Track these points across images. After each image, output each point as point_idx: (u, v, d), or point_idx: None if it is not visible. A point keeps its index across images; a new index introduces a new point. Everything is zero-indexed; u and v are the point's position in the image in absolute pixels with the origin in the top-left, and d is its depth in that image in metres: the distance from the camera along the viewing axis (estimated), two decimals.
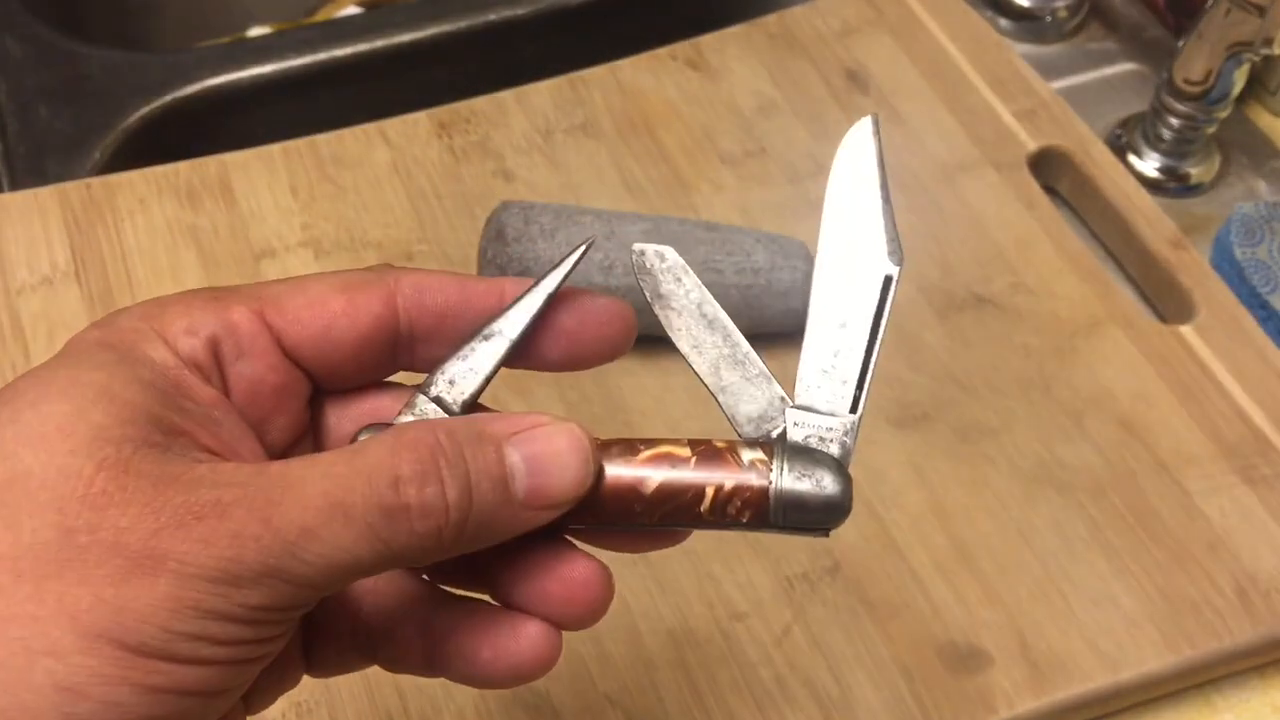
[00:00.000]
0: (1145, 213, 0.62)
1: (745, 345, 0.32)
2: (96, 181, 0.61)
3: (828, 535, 0.31)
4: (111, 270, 0.58)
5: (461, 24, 0.74)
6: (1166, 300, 0.61)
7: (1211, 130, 0.67)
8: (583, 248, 0.32)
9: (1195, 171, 0.68)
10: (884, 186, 0.32)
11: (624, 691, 0.47)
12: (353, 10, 0.85)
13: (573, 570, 0.30)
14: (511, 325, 0.31)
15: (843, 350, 0.31)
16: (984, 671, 0.48)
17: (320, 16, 0.86)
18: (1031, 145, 0.64)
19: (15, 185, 0.64)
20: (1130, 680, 0.49)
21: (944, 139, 0.65)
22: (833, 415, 0.31)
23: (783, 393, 0.31)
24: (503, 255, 0.53)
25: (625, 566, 0.43)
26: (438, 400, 0.31)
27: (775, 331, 0.55)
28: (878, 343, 0.31)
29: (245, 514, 0.26)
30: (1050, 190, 0.65)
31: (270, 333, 0.30)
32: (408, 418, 0.31)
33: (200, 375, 0.29)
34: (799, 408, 0.31)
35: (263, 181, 0.62)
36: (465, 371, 0.31)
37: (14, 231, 0.59)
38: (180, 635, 0.25)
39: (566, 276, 0.32)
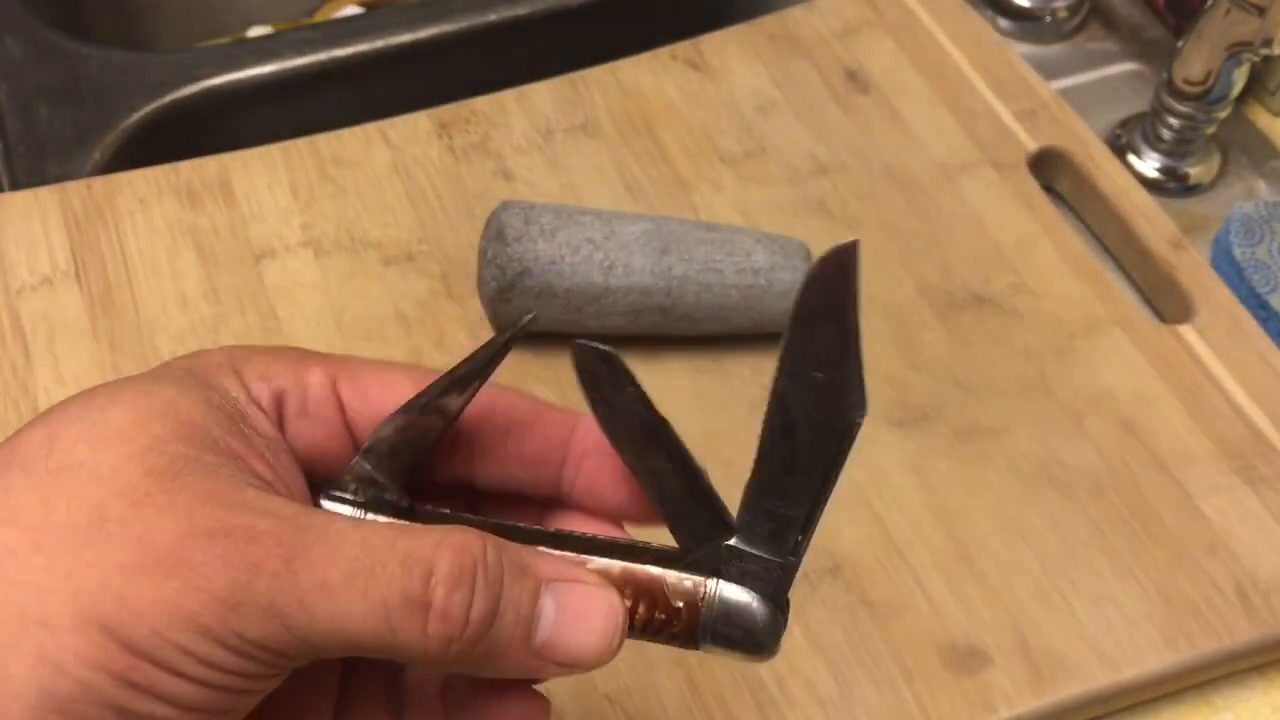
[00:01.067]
0: (1145, 213, 0.62)
1: (692, 463, 0.30)
2: (97, 181, 0.61)
3: (759, 662, 0.31)
4: (111, 270, 0.58)
5: (461, 24, 0.74)
6: (1166, 300, 0.61)
7: (1211, 130, 0.67)
8: (523, 324, 0.31)
9: (1195, 171, 0.68)
10: (857, 329, 0.28)
11: (624, 691, 0.47)
12: (353, 10, 0.85)
13: (519, 705, 0.31)
14: (450, 402, 0.31)
15: (790, 495, 0.29)
16: (984, 671, 0.48)
17: (320, 16, 0.86)
18: (1031, 145, 0.64)
19: (15, 185, 0.64)
20: (1130, 680, 0.49)
21: (944, 139, 0.65)
22: (771, 557, 0.30)
23: (727, 517, 0.30)
24: (503, 255, 0.54)
25: None
26: (373, 470, 0.31)
27: (775, 332, 0.54)
28: (829, 493, 0.29)
29: (272, 546, 0.27)
30: (1050, 190, 0.65)
31: (338, 402, 0.31)
32: (344, 494, 0.31)
33: (261, 411, 0.30)
34: (739, 543, 0.30)
35: (263, 181, 0.62)
36: (402, 445, 0.31)
37: (14, 231, 0.59)
38: (169, 644, 0.26)
39: (505, 350, 0.31)
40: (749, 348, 0.56)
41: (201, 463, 0.27)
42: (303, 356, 0.31)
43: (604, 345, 0.29)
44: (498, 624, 0.28)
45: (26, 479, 0.27)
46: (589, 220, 0.55)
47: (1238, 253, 0.61)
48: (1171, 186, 0.68)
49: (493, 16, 0.74)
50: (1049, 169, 0.65)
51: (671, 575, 0.30)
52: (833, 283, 0.28)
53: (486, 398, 0.31)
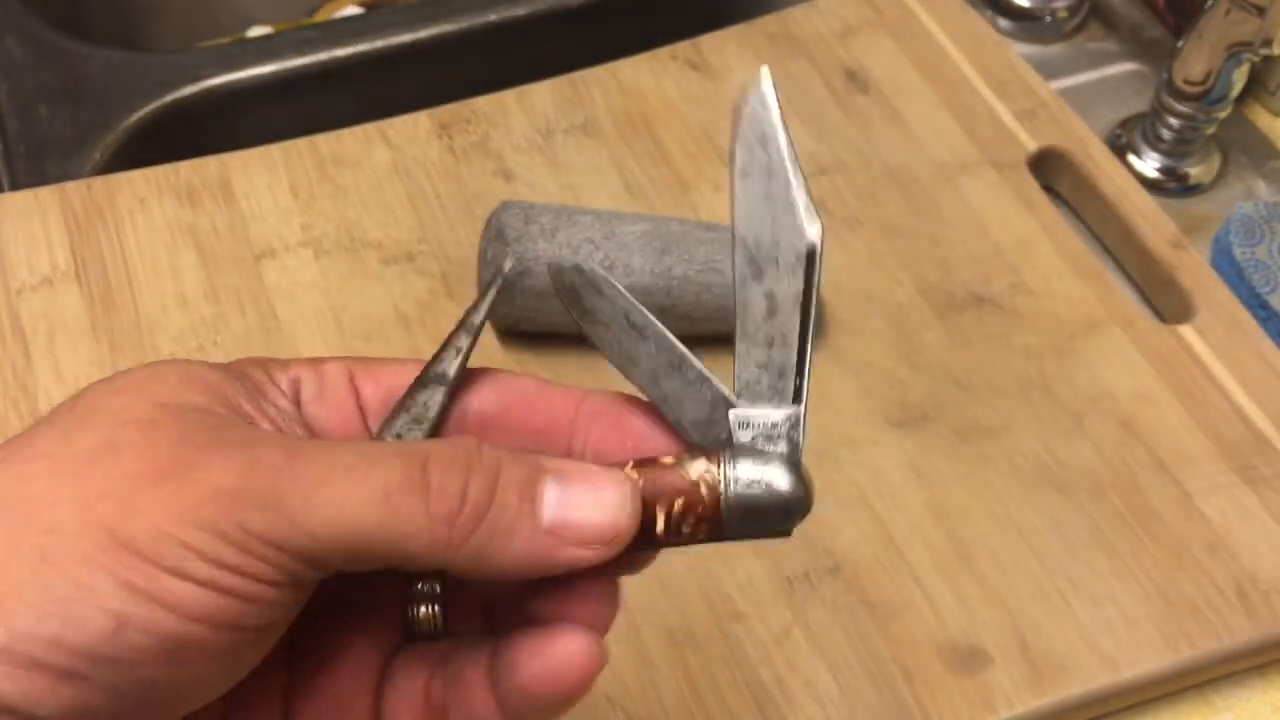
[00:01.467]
0: (1145, 213, 0.62)
1: (680, 349, 0.30)
2: (97, 181, 0.61)
3: (790, 535, 0.29)
4: (111, 270, 0.58)
5: (461, 24, 0.74)
6: (1166, 300, 0.61)
7: (1211, 130, 0.67)
8: (500, 279, 0.32)
9: (1195, 171, 0.68)
10: (791, 151, 0.28)
11: (624, 691, 0.47)
12: (353, 10, 0.85)
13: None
14: (449, 367, 0.31)
15: (777, 339, 0.29)
16: (984, 671, 0.48)
17: (320, 16, 0.86)
18: (1031, 145, 0.64)
19: (15, 185, 0.64)
20: (1130, 680, 0.49)
21: (944, 139, 0.65)
22: (776, 410, 0.29)
23: (726, 392, 0.30)
24: (502, 255, 0.54)
25: None
26: None
27: None
28: (810, 324, 0.29)
29: (272, 448, 0.27)
30: (1050, 190, 0.65)
31: (352, 387, 0.32)
32: None
33: (284, 396, 0.31)
34: (742, 407, 0.29)
35: (263, 181, 0.62)
36: (409, 424, 0.31)
37: (14, 231, 0.59)
38: (171, 539, 0.26)
39: (490, 310, 0.32)
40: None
41: (212, 411, 0.28)
42: (320, 357, 0.33)
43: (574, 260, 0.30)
44: (498, 501, 0.28)
45: (50, 428, 0.28)
46: (589, 220, 0.55)
47: (1238, 253, 0.61)
48: (1171, 186, 0.68)
49: (493, 16, 0.74)
50: (1049, 169, 0.65)
51: (684, 463, 0.29)
52: (756, 112, 0.28)
53: (496, 379, 0.32)
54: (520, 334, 0.56)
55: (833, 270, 0.59)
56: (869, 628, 0.49)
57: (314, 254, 0.59)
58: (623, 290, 0.30)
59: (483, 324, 0.31)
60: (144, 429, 0.27)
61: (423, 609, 0.31)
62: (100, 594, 0.25)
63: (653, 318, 0.30)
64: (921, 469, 0.53)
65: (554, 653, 0.29)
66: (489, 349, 0.56)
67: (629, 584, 0.49)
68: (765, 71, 0.28)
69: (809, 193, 0.29)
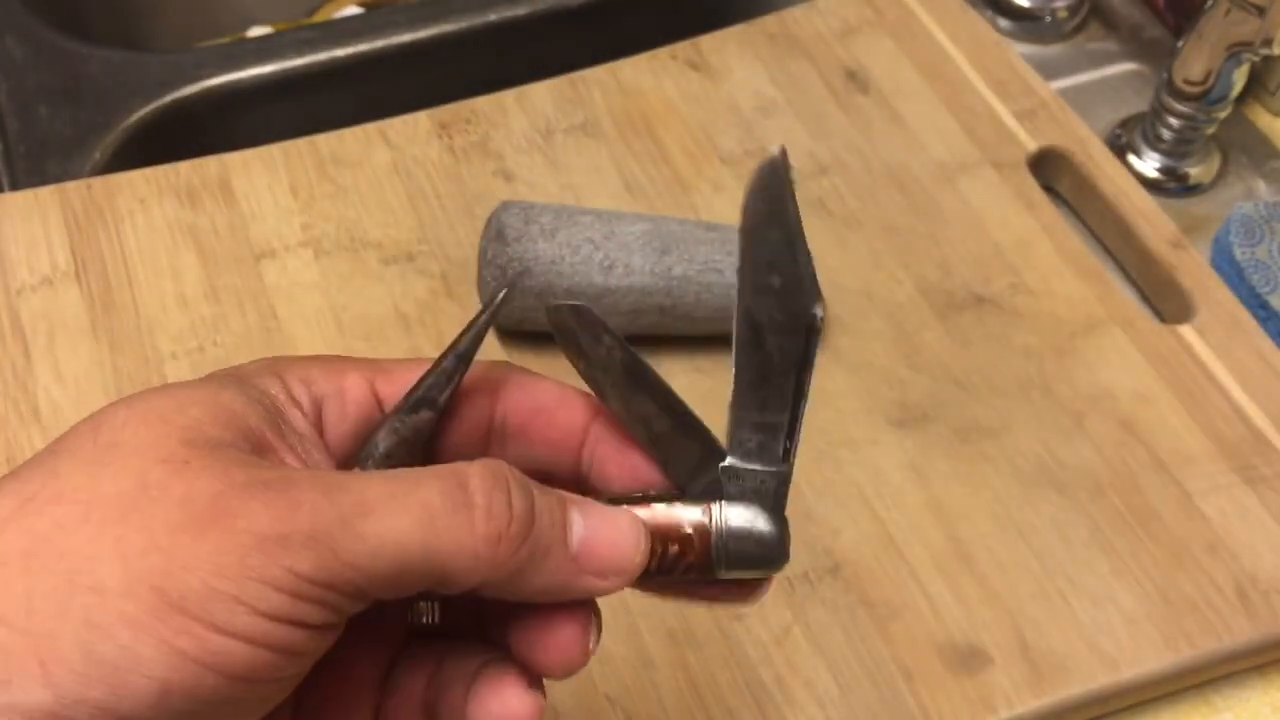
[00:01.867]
0: (1145, 213, 0.62)
1: (674, 397, 0.31)
2: (97, 181, 0.61)
3: (770, 579, 0.31)
4: (111, 270, 0.58)
5: (461, 24, 0.74)
6: (1166, 300, 0.61)
7: (1211, 130, 0.67)
8: (494, 305, 0.32)
9: (1195, 171, 0.68)
10: (798, 226, 0.30)
11: (624, 691, 0.47)
12: (353, 10, 0.85)
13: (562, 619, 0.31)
14: (437, 393, 0.31)
15: (770, 403, 0.31)
16: (984, 671, 0.48)
17: (320, 16, 0.86)
18: (1031, 145, 0.64)
19: (15, 185, 0.64)
20: (1130, 680, 0.49)
21: (944, 139, 0.65)
22: (764, 468, 0.31)
23: (716, 442, 0.31)
24: (503, 255, 0.54)
25: None
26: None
27: None
28: (806, 393, 0.31)
29: (310, 487, 0.27)
30: (1050, 190, 0.65)
31: (376, 401, 0.32)
32: None
33: (302, 414, 0.31)
34: (732, 461, 0.31)
35: (263, 181, 0.62)
36: (397, 445, 0.31)
37: (14, 231, 0.59)
38: (220, 595, 0.25)
39: (482, 334, 0.32)
40: None
41: (238, 449, 0.28)
42: (341, 362, 0.32)
43: (575, 301, 0.31)
44: (539, 523, 0.28)
45: (74, 461, 0.27)
46: (589, 220, 0.55)
47: (1238, 253, 0.61)
48: (1171, 186, 0.68)
49: (493, 16, 0.74)
50: (1049, 169, 0.65)
51: (678, 507, 0.31)
52: (770, 190, 0.30)
53: (523, 384, 0.32)
54: (520, 334, 0.56)
55: (833, 270, 0.59)
56: (869, 628, 0.49)
57: (314, 254, 0.59)
58: (619, 338, 0.31)
59: (474, 349, 0.32)
60: (177, 470, 0.27)
61: (422, 602, 0.32)
62: (146, 661, 0.25)
63: (648, 366, 0.31)
64: (921, 469, 0.53)
65: (496, 704, 0.30)
66: (489, 349, 0.56)
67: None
68: (782, 148, 0.30)
69: (812, 266, 0.30)
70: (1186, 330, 0.58)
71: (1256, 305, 0.60)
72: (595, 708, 0.47)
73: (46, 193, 0.60)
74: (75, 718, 0.25)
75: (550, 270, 0.53)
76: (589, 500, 0.30)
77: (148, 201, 0.60)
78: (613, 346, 0.31)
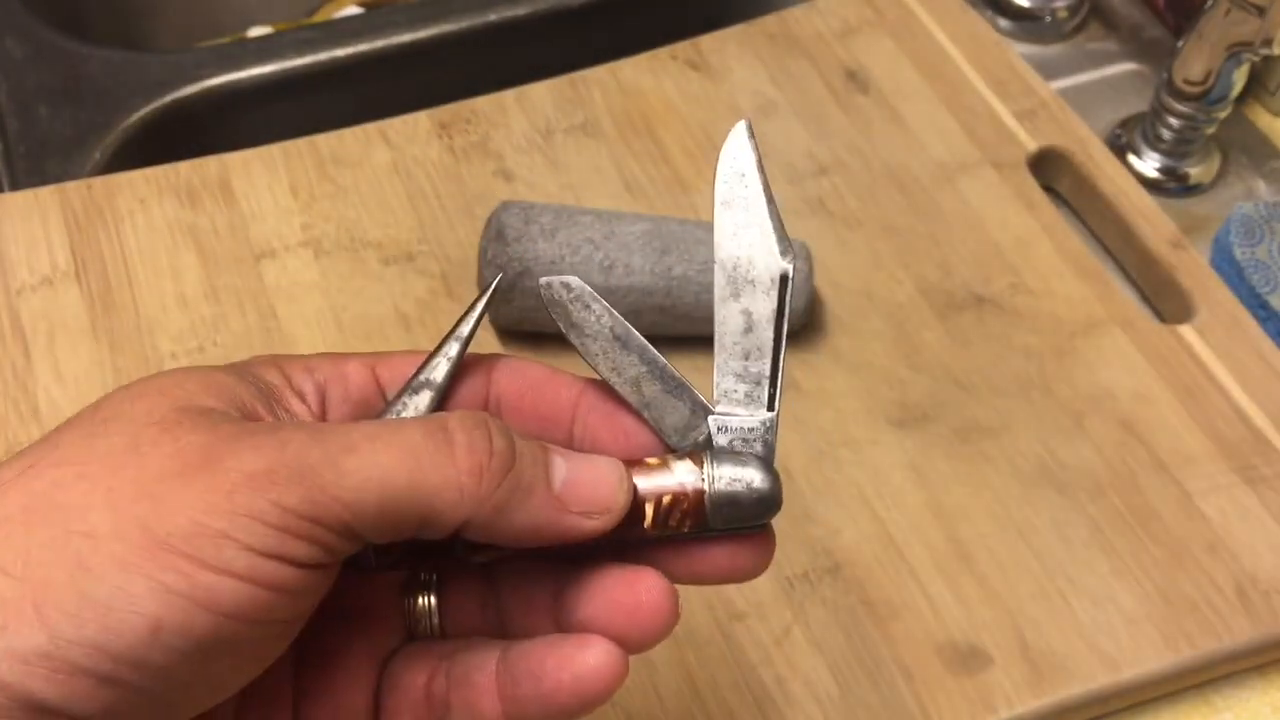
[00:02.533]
0: (1145, 213, 0.62)
1: (661, 360, 0.33)
2: (97, 181, 0.61)
3: (764, 530, 0.32)
4: (111, 270, 0.58)
5: (461, 24, 0.74)
6: (1166, 300, 0.61)
7: (1211, 130, 0.67)
8: (490, 290, 0.33)
9: (1195, 171, 0.68)
10: (766, 189, 0.32)
11: (624, 691, 0.47)
12: (353, 10, 0.85)
13: (640, 581, 0.31)
14: (436, 375, 0.33)
15: (752, 353, 0.32)
16: (984, 671, 0.48)
17: (320, 16, 0.86)
18: (1031, 145, 0.64)
19: (15, 185, 0.64)
20: (1130, 680, 0.49)
21: (944, 139, 0.65)
22: (752, 416, 0.32)
23: (703, 400, 0.32)
24: (503, 255, 0.54)
25: None
26: None
27: None
28: (784, 341, 0.32)
29: (295, 429, 0.28)
30: (1050, 190, 0.65)
31: (378, 386, 0.33)
32: None
33: (302, 402, 0.32)
34: (720, 413, 0.32)
35: (263, 181, 0.62)
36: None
37: (14, 231, 0.59)
38: (208, 530, 0.26)
39: (479, 321, 0.33)
40: None
41: (229, 415, 0.29)
42: (341, 354, 0.33)
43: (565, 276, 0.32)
44: (520, 460, 0.29)
45: (74, 431, 0.28)
46: (589, 220, 0.55)
47: (1238, 253, 0.61)
48: (1171, 186, 0.68)
49: (493, 16, 0.74)
50: (1049, 169, 0.65)
51: (671, 462, 0.31)
52: (736, 154, 0.33)
53: (511, 366, 0.33)
54: (520, 334, 0.56)
55: (833, 270, 0.59)
56: (869, 628, 0.49)
57: (314, 254, 0.59)
58: (607, 306, 0.32)
59: (473, 333, 0.33)
60: (167, 429, 0.28)
61: (419, 600, 0.33)
62: (137, 598, 0.26)
63: (635, 331, 0.32)
64: (921, 469, 0.53)
65: (583, 662, 0.30)
66: (489, 348, 0.56)
67: None
68: (744, 123, 0.33)
69: (782, 223, 0.32)
70: (1186, 330, 0.58)
71: (1256, 305, 0.60)
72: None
73: (46, 193, 0.60)
74: (70, 658, 0.25)
75: (550, 270, 0.53)
76: (569, 450, 0.31)
77: (148, 201, 0.60)
78: (601, 314, 0.32)
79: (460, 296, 0.58)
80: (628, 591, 0.31)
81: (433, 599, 0.33)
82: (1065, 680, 0.48)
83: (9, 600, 0.25)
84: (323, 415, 0.32)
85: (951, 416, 0.55)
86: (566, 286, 0.32)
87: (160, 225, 0.60)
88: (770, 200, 0.32)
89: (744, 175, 0.33)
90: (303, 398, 0.32)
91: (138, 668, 0.26)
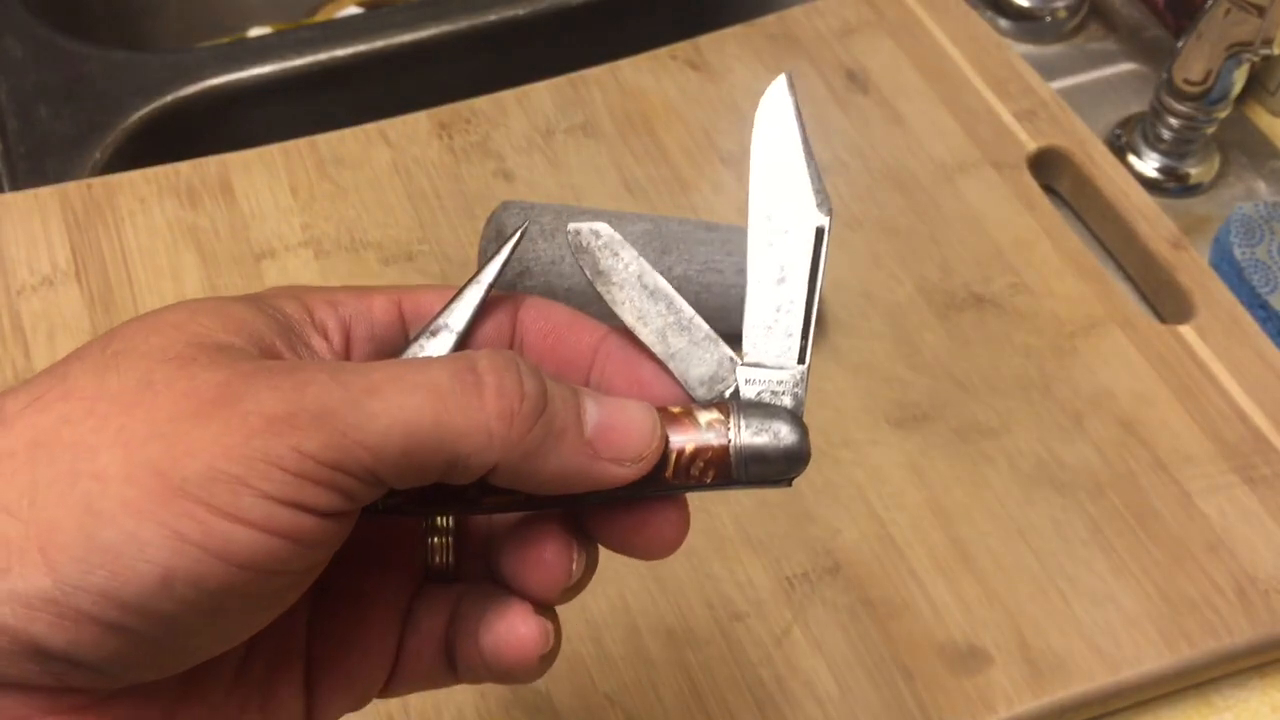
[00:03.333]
0: (1145, 213, 0.62)
1: (689, 311, 0.32)
2: (97, 181, 0.61)
3: (790, 485, 0.31)
4: (112, 270, 0.58)
5: (461, 24, 0.74)
6: (1166, 300, 0.61)
7: (1211, 130, 0.67)
8: (517, 235, 0.33)
9: (1195, 171, 0.68)
10: (805, 142, 0.32)
11: (624, 691, 0.47)
12: (353, 10, 0.85)
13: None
14: (456, 319, 0.32)
15: (784, 305, 0.32)
16: (984, 671, 0.48)
17: (320, 16, 0.86)
18: (1031, 145, 0.64)
19: (15, 185, 0.64)
20: (1130, 680, 0.49)
21: (944, 139, 0.65)
22: (781, 369, 0.31)
23: (731, 353, 0.32)
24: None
25: (625, 566, 0.43)
26: None
27: None
28: (816, 293, 0.32)
29: (318, 370, 0.27)
30: (1050, 190, 0.65)
31: (403, 324, 0.32)
32: None
33: (324, 339, 0.30)
34: (748, 365, 0.31)
35: (263, 181, 0.62)
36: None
37: (14, 231, 0.59)
38: (225, 477, 0.25)
39: (505, 264, 0.32)
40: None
41: (245, 351, 0.28)
42: (366, 288, 0.32)
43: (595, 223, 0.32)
44: (551, 403, 0.28)
45: (83, 364, 0.27)
46: (589, 221, 0.55)
47: (1237, 253, 0.61)
48: (1171, 186, 0.68)
49: (493, 16, 0.74)
50: (1049, 169, 0.65)
51: (696, 411, 0.31)
52: (775, 104, 0.33)
53: (534, 304, 0.32)
54: None
55: (832, 270, 0.59)
56: (869, 628, 0.49)
57: (314, 254, 0.59)
58: (637, 254, 0.32)
59: (497, 278, 0.32)
60: (182, 365, 0.26)
61: (437, 540, 0.32)
62: (148, 546, 0.24)
63: (664, 280, 0.32)
64: (921, 469, 0.53)
65: (501, 630, 0.30)
66: None
67: (629, 584, 0.49)
68: (785, 75, 0.33)
69: (820, 177, 0.32)
70: (1186, 330, 0.58)
71: (1256, 305, 0.60)
72: (595, 707, 0.47)
73: (46, 193, 0.60)
74: (77, 604, 0.24)
75: (550, 270, 0.53)
76: (600, 393, 0.30)
77: (148, 201, 0.60)
78: (630, 261, 0.32)
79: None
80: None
81: (450, 540, 0.32)
82: (1065, 680, 0.48)
83: (13, 541, 0.25)
84: (346, 353, 0.31)
85: (951, 416, 0.55)
86: (595, 233, 0.32)
87: (160, 225, 0.60)
88: (808, 152, 0.32)
89: (783, 126, 0.32)
90: (325, 334, 0.30)
91: (146, 616, 0.25)
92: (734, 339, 0.32)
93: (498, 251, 0.32)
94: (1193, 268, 0.60)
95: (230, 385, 0.26)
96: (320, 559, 0.27)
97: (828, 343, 0.57)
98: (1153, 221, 0.62)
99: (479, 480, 0.28)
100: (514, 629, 0.30)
